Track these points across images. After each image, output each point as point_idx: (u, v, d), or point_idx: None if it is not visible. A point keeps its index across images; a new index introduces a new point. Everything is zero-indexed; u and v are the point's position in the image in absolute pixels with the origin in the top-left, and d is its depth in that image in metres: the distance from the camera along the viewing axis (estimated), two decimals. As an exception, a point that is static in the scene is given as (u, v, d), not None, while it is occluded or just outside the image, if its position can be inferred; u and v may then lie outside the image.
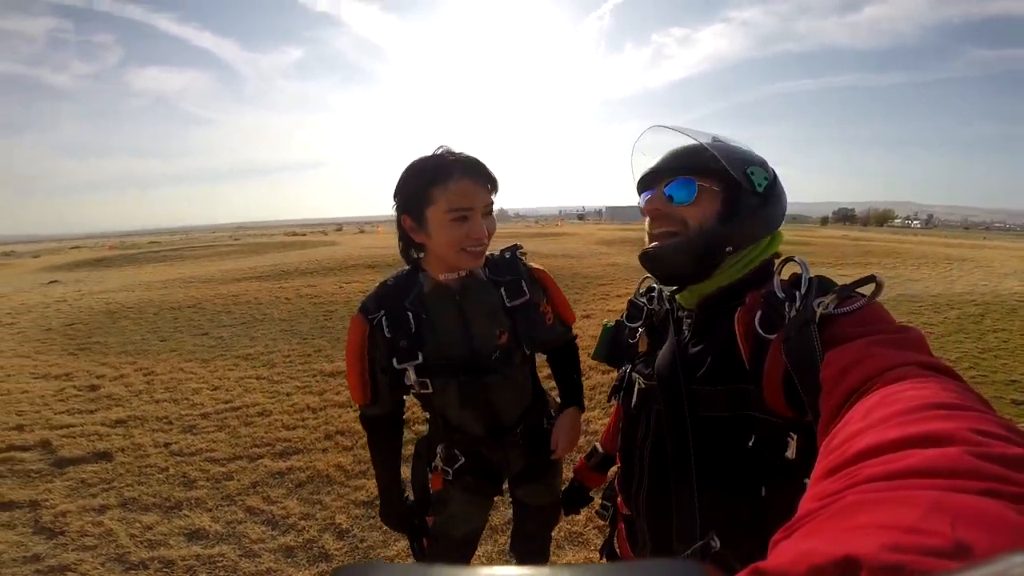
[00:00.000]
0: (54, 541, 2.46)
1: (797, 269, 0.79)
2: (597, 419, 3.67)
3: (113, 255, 23.69)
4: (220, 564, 2.29)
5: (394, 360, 1.21)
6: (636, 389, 1.01)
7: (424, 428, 1.48)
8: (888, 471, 0.33)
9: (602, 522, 1.47)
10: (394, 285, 1.27)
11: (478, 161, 1.15)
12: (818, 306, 0.68)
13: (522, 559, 1.61)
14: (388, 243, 22.49)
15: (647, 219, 0.95)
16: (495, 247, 1.36)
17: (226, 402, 4.28)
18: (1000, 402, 3.95)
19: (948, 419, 0.37)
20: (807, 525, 0.32)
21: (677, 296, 0.97)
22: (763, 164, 0.92)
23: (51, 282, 13.99)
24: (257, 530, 2.54)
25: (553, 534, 1.78)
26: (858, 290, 0.71)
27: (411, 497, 1.46)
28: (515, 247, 1.39)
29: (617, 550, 1.19)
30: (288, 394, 4.42)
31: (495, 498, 1.47)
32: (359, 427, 3.61)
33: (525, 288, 1.31)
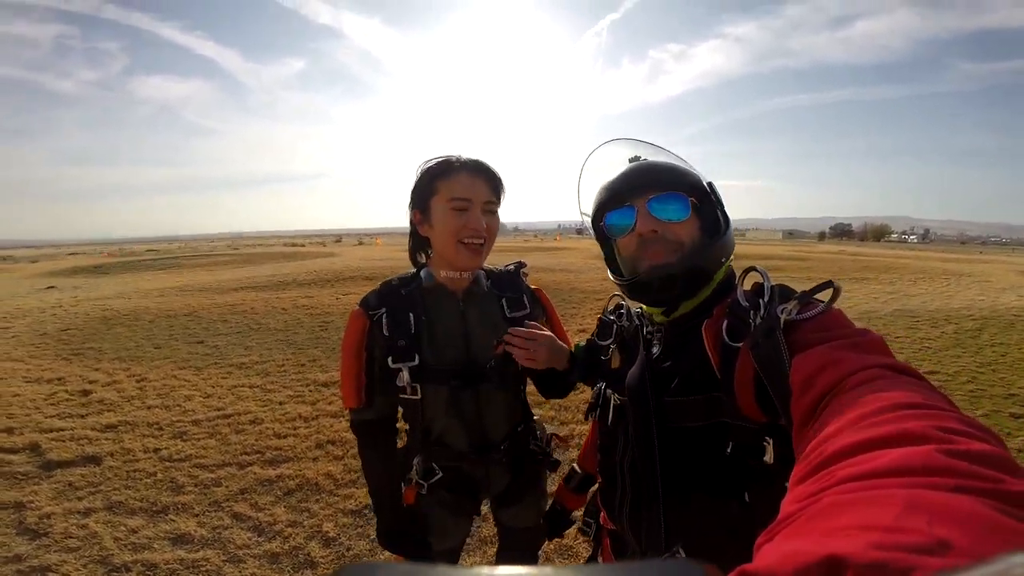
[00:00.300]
0: (37, 542, 2.44)
1: (758, 279, 0.81)
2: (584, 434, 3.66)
3: (111, 262, 23.67)
4: (203, 568, 2.27)
5: (390, 359, 1.19)
6: (612, 406, 1.01)
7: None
8: (862, 471, 0.34)
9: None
10: (398, 285, 1.27)
11: (482, 161, 1.19)
12: (782, 312, 0.70)
13: None
14: (386, 255, 22.52)
15: (631, 240, 0.92)
16: (498, 261, 1.37)
17: (218, 409, 4.26)
18: (998, 416, 3.95)
19: (916, 418, 0.39)
20: (788, 527, 0.33)
21: (651, 312, 0.98)
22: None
23: (48, 288, 13.97)
24: (243, 536, 2.52)
25: (542, 548, 1.75)
26: (817, 296, 0.73)
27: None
28: (519, 264, 1.41)
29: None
30: (281, 403, 4.41)
31: (477, 516, 1.42)
32: (351, 436, 3.60)
33: (527, 303, 1.33)
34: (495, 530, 2.36)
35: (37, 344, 6.75)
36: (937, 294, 10.44)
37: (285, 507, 2.78)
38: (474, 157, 1.20)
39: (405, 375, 1.19)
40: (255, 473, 3.15)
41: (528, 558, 1.57)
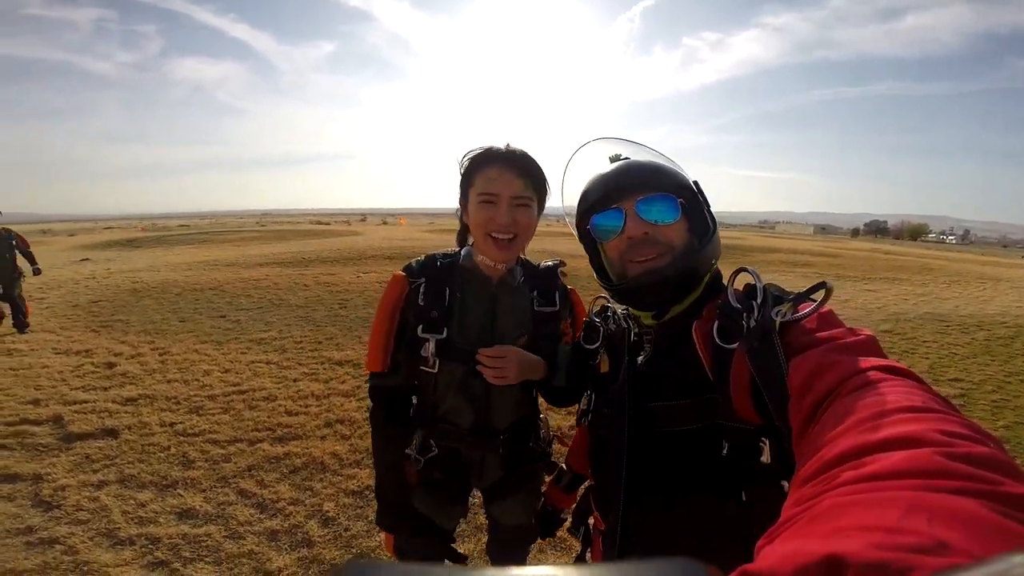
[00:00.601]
0: (49, 514, 2.54)
1: (748, 279, 0.79)
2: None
3: (144, 236, 24.37)
4: (204, 544, 2.34)
5: (420, 328, 1.22)
6: (602, 412, 1.00)
7: None
8: (863, 474, 0.34)
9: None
10: (441, 259, 1.30)
11: (517, 154, 1.18)
12: (776, 315, 0.69)
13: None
14: (409, 235, 22.67)
15: (620, 243, 0.89)
16: (536, 257, 1.38)
17: (234, 385, 4.37)
18: (1020, 428, 3.82)
19: (916, 421, 0.39)
20: (789, 529, 0.34)
21: (639, 315, 0.95)
22: None
23: (83, 260, 14.47)
24: (246, 512, 2.58)
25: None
26: (811, 297, 0.72)
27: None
28: (559, 262, 1.40)
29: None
30: (295, 380, 4.50)
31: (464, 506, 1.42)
32: (359, 416, 3.68)
33: (557, 300, 1.33)
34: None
35: (69, 315, 7.00)
36: (972, 298, 10.07)
37: (289, 485, 2.84)
38: (514, 148, 1.18)
39: (431, 346, 1.22)
40: (264, 450, 3.22)
41: (518, 555, 1.56)
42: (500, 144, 1.19)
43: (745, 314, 0.73)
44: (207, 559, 2.26)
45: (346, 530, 2.47)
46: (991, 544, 0.25)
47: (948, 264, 18.19)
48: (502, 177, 1.15)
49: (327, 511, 2.60)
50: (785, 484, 0.74)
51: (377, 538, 2.40)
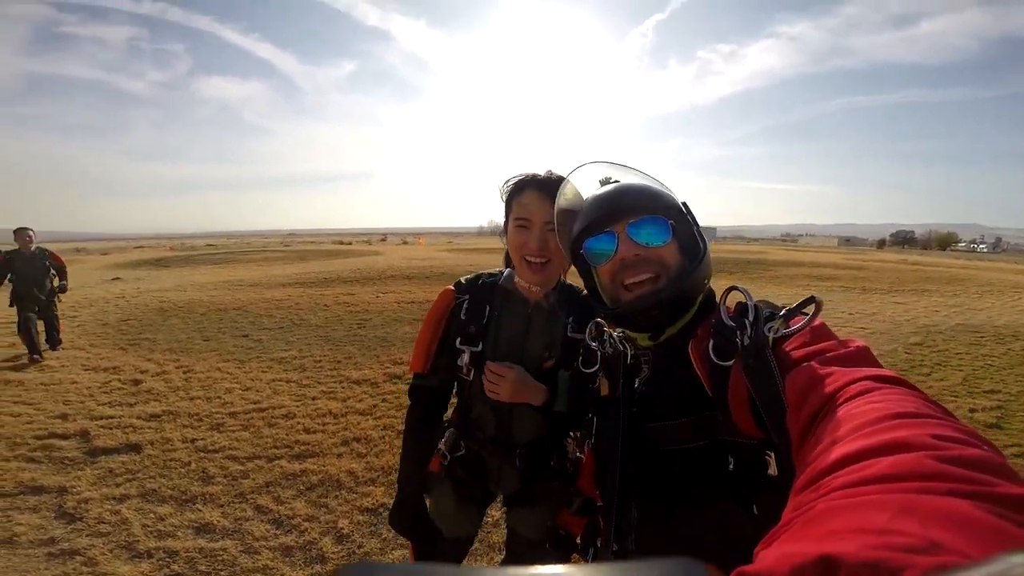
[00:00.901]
0: (72, 526, 2.60)
1: (740, 297, 0.80)
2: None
3: (172, 256, 24.99)
4: (220, 558, 2.36)
5: (458, 340, 1.32)
6: (604, 435, 1.00)
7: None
8: (856, 479, 0.35)
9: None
10: (486, 278, 1.39)
11: (554, 180, 1.21)
12: (769, 331, 0.70)
13: None
14: (428, 255, 22.86)
15: (613, 265, 0.90)
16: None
17: (255, 403, 4.44)
18: None
19: (908, 427, 0.40)
20: (785, 533, 0.35)
21: (637, 337, 0.95)
22: None
23: (114, 279, 14.89)
24: (262, 528, 2.61)
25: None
26: (802, 311, 0.73)
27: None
28: None
29: None
30: (314, 398, 4.55)
31: (489, 518, 1.46)
32: (375, 435, 3.71)
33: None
34: (505, 537, 2.37)
35: (99, 333, 7.21)
36: (1006, 308, 9.82)
37: (305, 502, 2.86)
38: (552, 174, 1.25)
39: (466, 357, 1.31)
40: (281, 467, 3.26)
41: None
42: (542, 171, 1.26)
43: (738, 331, 0.74)
44: (222, 573, 2.29)
45: (360, 547, 2.48)
46: (985, 544, 0.25)
47: (979, 273, 17.80)
48: (535, 202, 1.21)
49: (341, 528, 2.61)
50: None
51: (392, 555, 2.41)
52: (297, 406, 4.35)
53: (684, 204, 0.93)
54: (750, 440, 0.77)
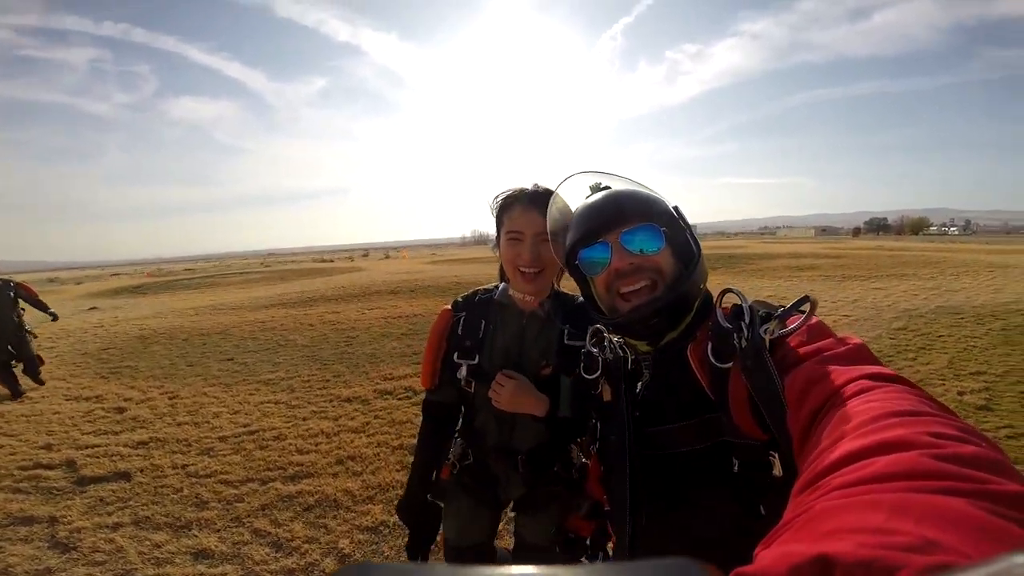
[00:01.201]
0: (67, 556, 2.55)
1: (735, 299, 0.81)
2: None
3: (151, 282, 24.53)
4: (222, 584, 2.33)
5: (456, 355, 1.38)
6: (609, 439, 1.00)
7: None
8: (853, 479, 0.35)
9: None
10: (481, 294, 1.46)
11: (541, 193, 1.27)
12: (765, 332, 0.71)
13: None
14: (412, 268, 22.74)
15: (607, 275, 0.90)
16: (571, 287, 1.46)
17: (244, 426, 4.38)
18: None
19: (904, 426, 0.40)
20: (784, 533, 0.36)
21: (636, 343, 0.96)
22: None
23: (91, 308, 14.57)
24: (261, 552, 2.58)
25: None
26: (798, 310, 0.74)
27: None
28: None
29: None
30: (304, 419, 4.50)
31: (500, 525, 1.50)
32: (370, 452, 3.69)
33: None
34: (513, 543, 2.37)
35: (78, 363, 7.05)
36: (982, 288, 10.00)
37: (303, 523, 2.83)
38: (539, 187, 1.30)
39: (463, 370, 1.37)
40: (276, 489, 3.22)
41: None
42: (528, 184, 1.31)
43: (735, 333, 0.75)
44: (224, 598, 2.26)
45: (362, 566, 2.46)
46: (980, 542, 0.25)
47: (953, 255, 18.13)
48: (525, 216, 1.26)
49: (342, 548, 2.59)
50: None
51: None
52: (288, 427, 4.30)
53: (675, 208, 0.94)
54: (753, 441, 0.78)
